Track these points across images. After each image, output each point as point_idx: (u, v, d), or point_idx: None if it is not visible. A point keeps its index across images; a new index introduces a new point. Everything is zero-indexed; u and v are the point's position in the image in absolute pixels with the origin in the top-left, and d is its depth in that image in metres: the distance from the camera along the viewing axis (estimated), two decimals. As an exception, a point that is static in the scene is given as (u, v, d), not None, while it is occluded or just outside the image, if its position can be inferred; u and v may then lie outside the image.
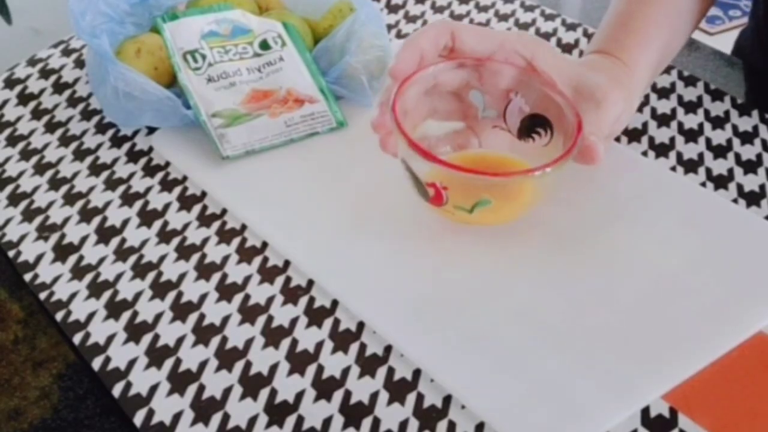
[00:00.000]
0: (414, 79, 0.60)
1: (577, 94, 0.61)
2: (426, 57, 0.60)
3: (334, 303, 0.59)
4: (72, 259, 0.64)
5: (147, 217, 0.67)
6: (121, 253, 0.64)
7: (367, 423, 0.52)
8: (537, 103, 0.61)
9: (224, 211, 0.67)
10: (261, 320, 0.58)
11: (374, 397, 0.53)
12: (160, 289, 0.61)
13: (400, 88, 0.59)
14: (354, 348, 0.56)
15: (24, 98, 0.82)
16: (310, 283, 0.61)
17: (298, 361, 0.55)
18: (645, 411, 0.51)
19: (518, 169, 0.57)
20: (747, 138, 0.71)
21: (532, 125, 0.62)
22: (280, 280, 0.61)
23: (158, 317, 0.59)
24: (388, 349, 0.56)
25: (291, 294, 0.60)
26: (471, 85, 0.63)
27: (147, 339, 0.58)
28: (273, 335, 0.57)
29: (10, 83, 0.84)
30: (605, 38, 0.68)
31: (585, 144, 0.58)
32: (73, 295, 0.61)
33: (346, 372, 0.55)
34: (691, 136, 0.71)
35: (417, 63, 0.60)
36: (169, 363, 0.56)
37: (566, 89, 0.61)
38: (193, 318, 0.59)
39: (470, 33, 0.61)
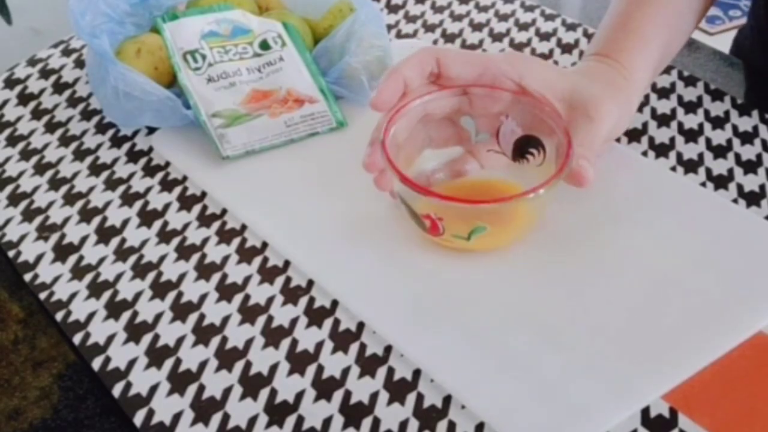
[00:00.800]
0: (402, 113, 0.60)
1: (570, 109, 0.61)
2: (410, 85, 0.60)
3: (334, 303, 0.59)
4: (72, 259, 0.64)
5: (147, 217, 0.67)
6: (121, 253, 0.64)
7: (367, 423, 0.52)
8: (528, 124, 0.61)
9: (224, 211, 0.67)
10: (261, 320, 0.58)
11: (374, 397, 0.53)
12: (160, 289, 0.61)
13: (389, 124, 0.59)
14: (354, 348, 0.56)
15: (24, 98, 0.82)
16: (310, 283, 0.61)
17: (298, 361, 0.55)
18: (645, 411, 0.51)
19: (511, 193, 0.57)
20: (747, 138, 0.71)
21: (525, 146, 0.62)
22: (280, 281, 0.61)
23: (158, 317, 0.59)
24: (388, 349, 0.56)
25: (291, 294, 0.60)
26: (462, 110, 0.63)
27: (147, 339, 0.58)
28: (273, 335, 0.57)
29: (10, 83, 0.84)
30: (603, 40, 0.68)
31: (574, 168, 0.58)
32: (73, 295, 0.61)
33: (346, 372, 0.55)
34: (691, 136, 0.71)
35: (400, 93, 0.60)
36: (169, 363, 0.56)
37: (559, 104, 0.61)
38: (193, 318, 0.59)
39: (455, 58, 0.61)
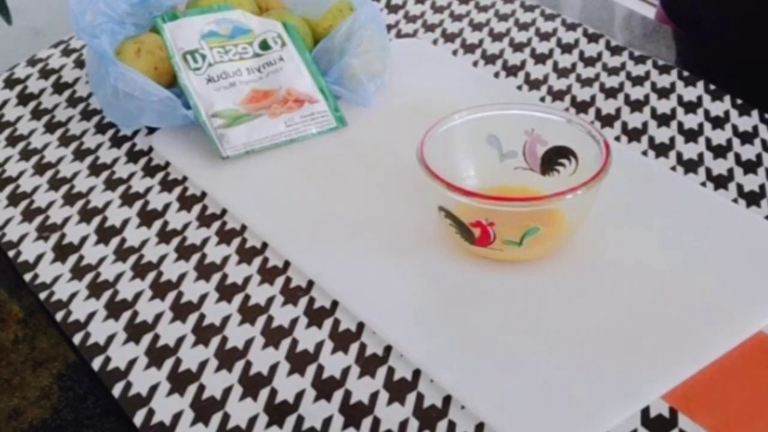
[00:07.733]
0: (432, 133, 0.60)
1: None
2: None
3: (334, 303, 0.59)
4: (72, 259, 0.64)
5: (147, 217, 0.67)
6: (121, 253, 0.64)
7: (367, 423, 0.52)
8: (556, 134, 0.61)
9: (224, 211, 0.67)
10: (261, 320, 0.58)
11: (374, 397, 0.53)
12: (160, 289, 0.61)
13: (424, 140, 0.59)
14: (354, 348, 0.56)
15: (24, 98, 0.82)
16: (310, 283, 0.61)
17: (298, 361, 0.55)
18: (645, 411, 0.51)
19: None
20: (747, 138, 0.71)
21: (555, 158, 0.62)
22: (280, 281, 0.61)
23: (158, 317, 0.59)
24: (388, 349, 0.56)
25: (291, 294, 0.60)
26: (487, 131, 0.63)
27: (147, 339, 0.58)
28: (273, 335, 0.57)
29: (10, 83, 0.84)
30: None
31: None
32: (73, 295, 0.61)
33: (346, 372, 0.55)
34: (691, 136, 0.71)
35: None
36: (169, 363, 0.56)
37: None
38: (193, 318, 0.59)
39: None
